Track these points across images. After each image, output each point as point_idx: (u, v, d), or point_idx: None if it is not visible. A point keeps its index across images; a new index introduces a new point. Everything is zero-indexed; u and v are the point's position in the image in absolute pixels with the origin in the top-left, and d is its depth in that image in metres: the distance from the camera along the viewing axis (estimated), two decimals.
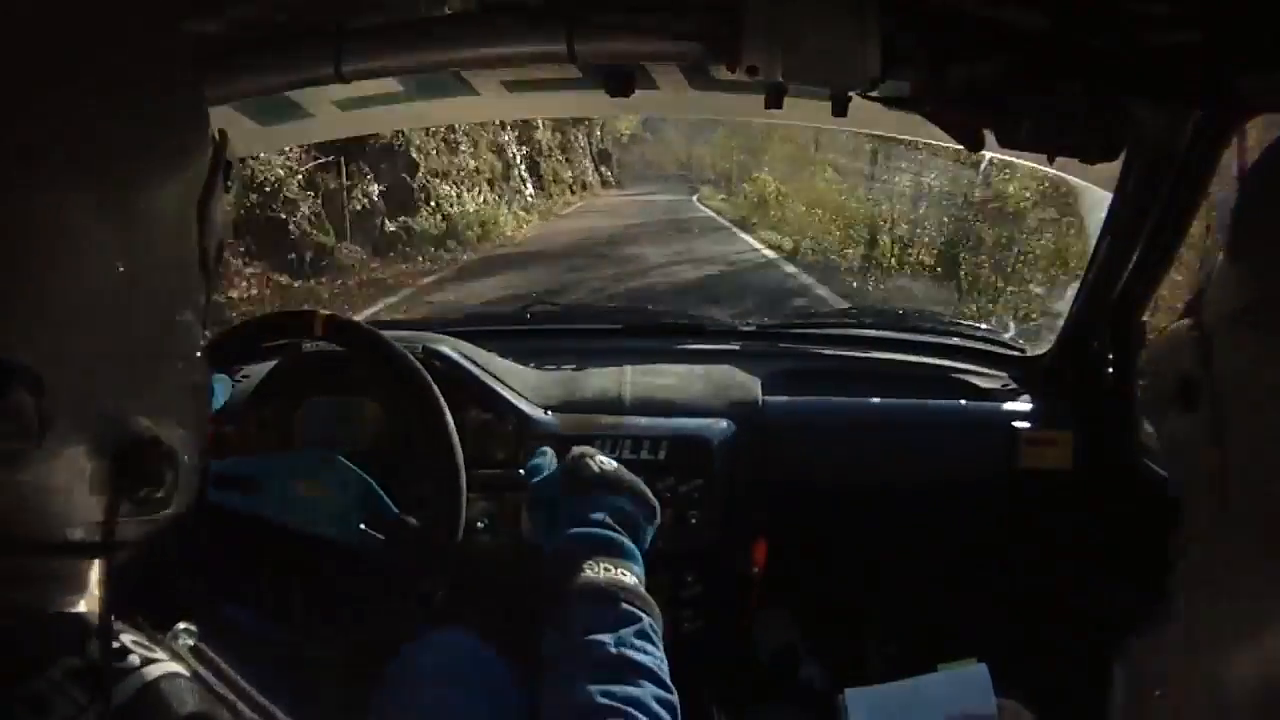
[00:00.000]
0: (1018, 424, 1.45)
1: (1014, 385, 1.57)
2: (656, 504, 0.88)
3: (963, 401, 1.54)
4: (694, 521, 1.34)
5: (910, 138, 1.43)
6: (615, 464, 0.88)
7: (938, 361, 1.65)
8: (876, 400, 1.53)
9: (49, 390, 0.39)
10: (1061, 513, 1.47)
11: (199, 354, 0.49)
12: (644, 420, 1.39)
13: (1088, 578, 1.47)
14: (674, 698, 0.69)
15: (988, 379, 1.59)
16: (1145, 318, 1.38)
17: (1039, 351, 1.62)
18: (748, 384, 1.50)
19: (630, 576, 0.77)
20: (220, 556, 1.18)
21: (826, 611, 1.60)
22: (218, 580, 1.16)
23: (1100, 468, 1.42)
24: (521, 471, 1.29)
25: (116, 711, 0.41)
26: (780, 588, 1.45)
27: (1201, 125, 1.12)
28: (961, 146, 1.07)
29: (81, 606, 0.46)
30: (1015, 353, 1.67)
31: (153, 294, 0.45)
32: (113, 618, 0.46)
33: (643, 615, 0.74)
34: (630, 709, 0.65)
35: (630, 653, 0.70)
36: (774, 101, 1.02)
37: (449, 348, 1.37)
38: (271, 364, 1.34)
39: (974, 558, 1.54)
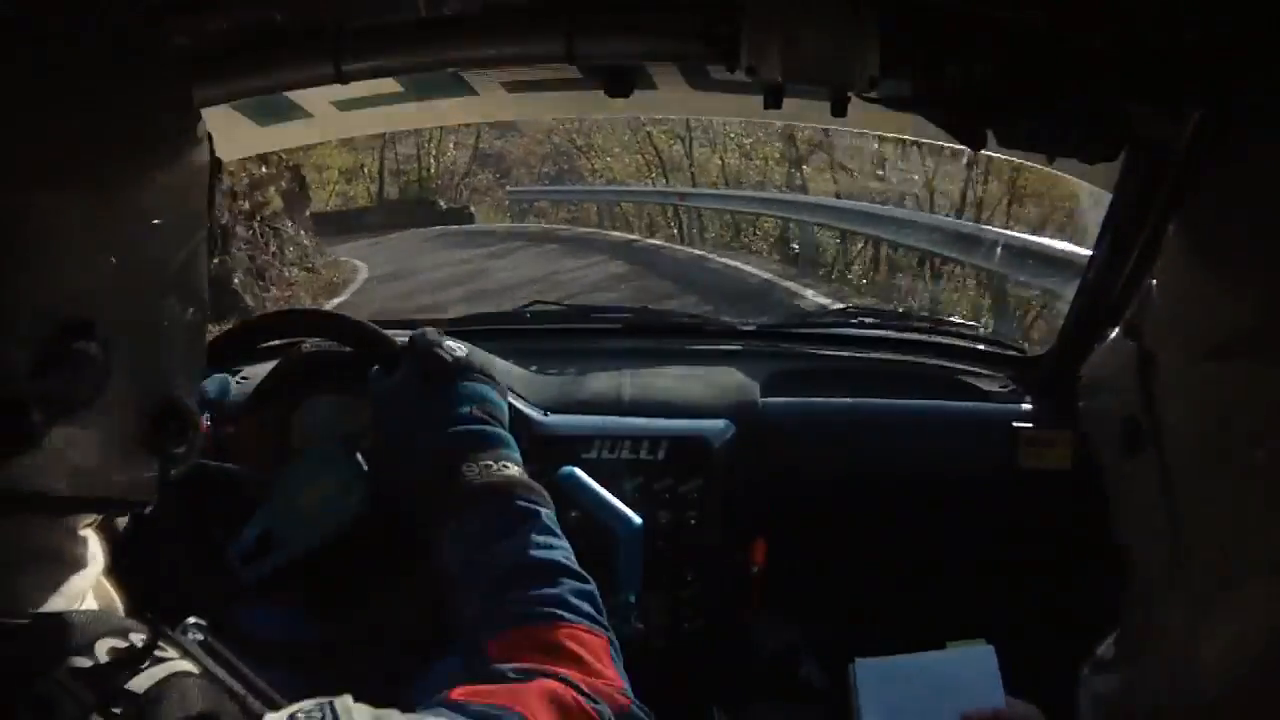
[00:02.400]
0: (1018, 424, 1.45)
1: (1014, 385, 1.57)
2: (504, 385, 0.83)
3: (963, 401, 1.54)
4: (694, 522, 1.34)
5: (911, 137, 1.43)
6: (465, 346, 0.83)
7: (937, 361, 1.65)
8: (876, 400, 1.53)
9: (112, 343, 0.43)
10: (1061, 513, 1.47)
11: (202, 333, 0.52)
12: (643, 421, 1.39)
13: (1087, 578, 1.47)
14: (591, 587, 0.67)
15: (988, 379, 1.59)
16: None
17: (1039, 351, 1.62)
18: (747, 384, 1.50)
19: (512, 467, 0.73)
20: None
21: (826, 611, 1.60)
22: (233, 581, 1.15)
23: (1100, 467, 1.42)
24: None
25: (127, 712, 0.41)
26: (780, 587, 1.45)
27: (1201, 125, 1.12)
28: (962, 146, 1.07)
29: (90, 603, 0.47)
30: (1015, 353, 1.67)
31: (177, 269, 0.48)
32: (122, 615, 0.46)
33: (537, 507, 0.70)
34: (552, 610, 0.63)
35: (536, 553, 0.66)
36: (774, 101, 1.02)
37: None
38: (271, 364, 1.34)
39: (973, 558, 1.54)
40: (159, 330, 0.47)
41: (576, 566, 0.68)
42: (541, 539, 0.68)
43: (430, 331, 0.83)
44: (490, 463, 0.72)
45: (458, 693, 0.53)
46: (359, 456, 1.13)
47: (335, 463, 1.14)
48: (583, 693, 0.57)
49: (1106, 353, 0.49)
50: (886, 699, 0.90)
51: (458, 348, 0.82)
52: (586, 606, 0.65)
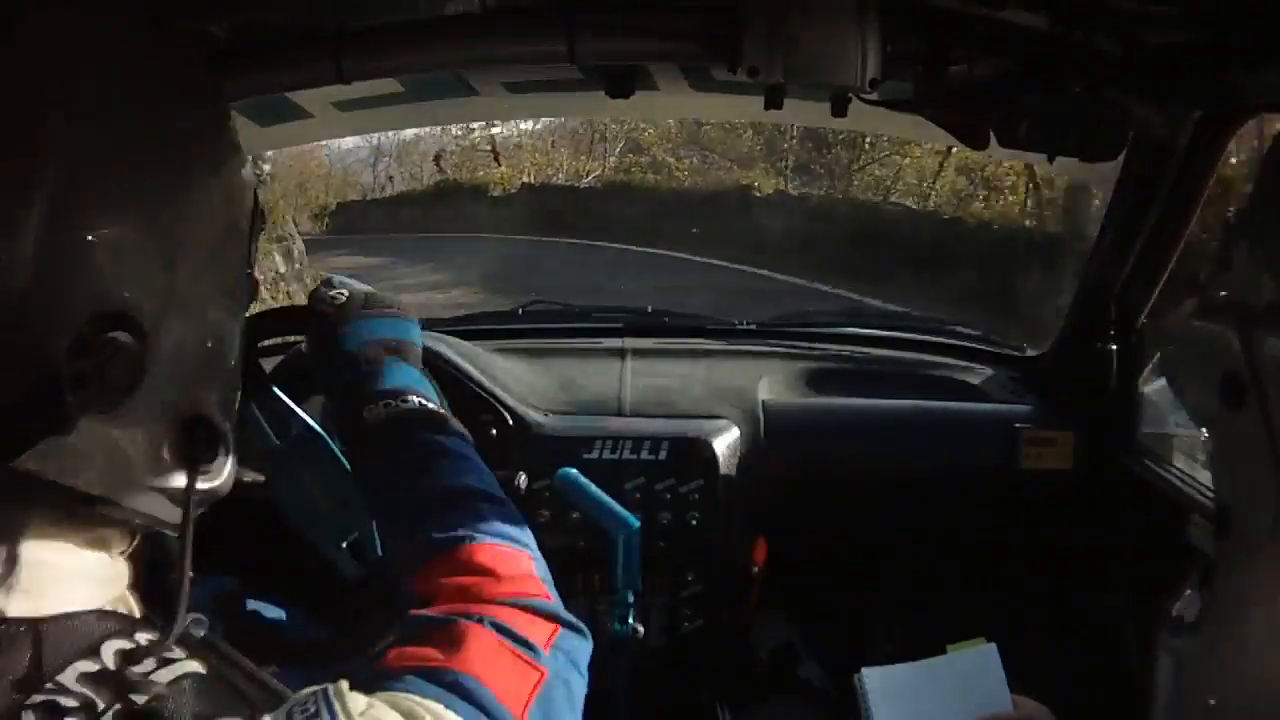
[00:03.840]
0: (1018, 424, 1.45)
1: (1014, 385, 1.57)
2: (406, 309, 0.79)
3: (963, 402, 1.54)
4: (694, 522, 1.34)
5: (912, 138, 1.43)
6: (349, 285, 0.78)
7: (938, 361, 1.65)
8: (876, 400, 1.53)
9: (148, 335, 0.44)
10: (1061, 513, 1.47)
11: (238, 351, 0.53)
12: (644, 421, 1.39)
13: (1086, 577, 1.47)
14: (509, 507, 0.65)
15: (988, 379, 1.59)
16: (1144, 318, 1.38)
17: (1039, 351, 1.62)
18: (748, 384, 1.50)
19: (413, 399, 0.70)
20: (239, 547, 1.16)
21: (826, 611, 1.60)
22: (238, 572, 1.15)
23: (1100, 468, 1.42)
24: (522, 476, 1.29)
25: (135, 715, 0.41)
26: (780, 587, 1.45)
27: (1201, 125, 1.12)
28: (964, 145, 1.07)
29: (97, 605, 0.47)
30: (1015, 353, 1.67)
31: (204, 292, 0.49)
32: (129, 616, 0.46)
33: (441, 437, 0.69)
34: (463, 533, 0.61)
35: (444, 482, 0.65)
36: (774, 102, 1.02)
37: (448, 348, 1.37)
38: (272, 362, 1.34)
39: (974, 557, 1.54)
40: (197, 342, 0.48)
41: (490, 488, 0.66)
42: (447, 466, 0.66)
43: (321, 285, 0.79)
44: (390, 400, 0.70)
45: (393, 656, 0.52)
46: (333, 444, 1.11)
47: (317, 454, 1.12)
48: (512, 637, 0.55)
49: (1196, 311, 0.48)
50: (896, 707, 0.90)
51: (342, 290, 0.78)
52: (501, 525, 0.63)
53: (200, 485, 0.49)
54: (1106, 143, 0.98)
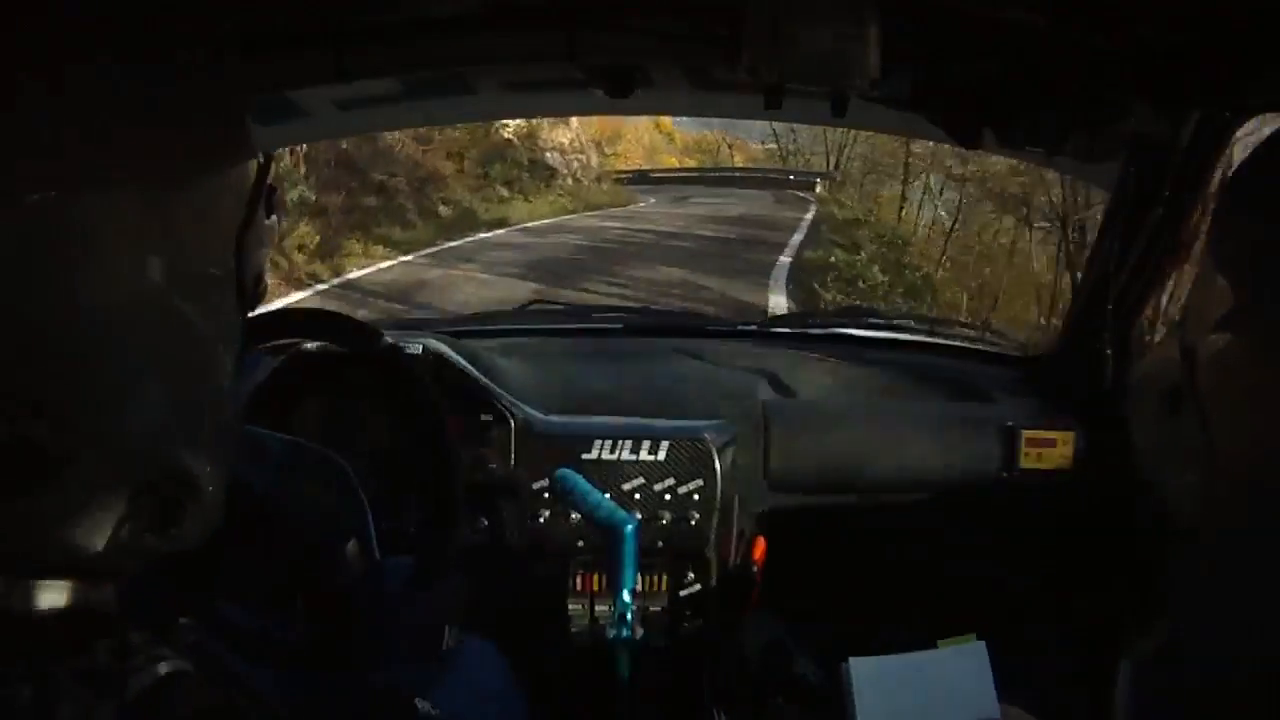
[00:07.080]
0: (1018, 424, 1.45)
1: (1014, 385, 1.57)
2: None
3: (963, 401, 1.54)
4: (694, 522, 1.34)
5: (911, 137, 1.43)
6: None
7: (938, 361, 1.65)
8: (876, 400, 1.53)
9: (70, 423, 0.40)
10: (1061, 513, 1.47)
11: (228, 384, 0.48)
12: (643, 421, 1.39)
13: (1086, 578, 1.47)
14: None
15: (988, 379, 1.59)
16: (1144, 317, 1.38)
17: (1039, 352, 1.62)
18: (748, 384, 1.50)
19: None
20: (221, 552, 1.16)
21: (826, 610, 1.60)
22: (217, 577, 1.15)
23: (1101, 468, 1.42)
24: (523, 475, 1.28)
25: (122, 710, 0.41)
26: (780, 587, 1.45)
27: (1201, 125, 1.12)
28: (962, 146, 1.07)
29: (86, 602, 0.47)
30: (1016, 353, 1.67)
31: (184, 321, 0.44)
32: (118, 614, 0.46)
33: None
34: None
35: None
36: (774, 101, 1.02)
37: (449, 349, 1.37)
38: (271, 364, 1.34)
39: (973, 558, 1.54)
40: (149, 405, 0.43)
41: None
42: None
43: None
44: None
45: None
46: (346, 466, 1.11)
47: (325, 466, 1.13)
48: None
49: (1154, 346, 0.56)
50: (881, 699, 0.91)
51: None
52: None
53: (149, 542, 0.44)
54: (1106, 143, 0.98)
